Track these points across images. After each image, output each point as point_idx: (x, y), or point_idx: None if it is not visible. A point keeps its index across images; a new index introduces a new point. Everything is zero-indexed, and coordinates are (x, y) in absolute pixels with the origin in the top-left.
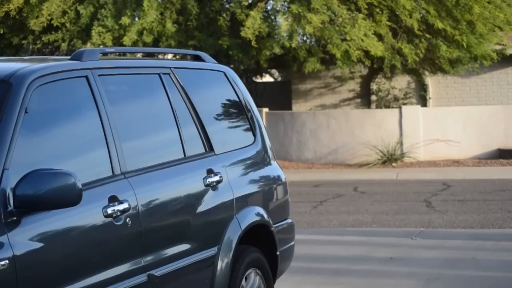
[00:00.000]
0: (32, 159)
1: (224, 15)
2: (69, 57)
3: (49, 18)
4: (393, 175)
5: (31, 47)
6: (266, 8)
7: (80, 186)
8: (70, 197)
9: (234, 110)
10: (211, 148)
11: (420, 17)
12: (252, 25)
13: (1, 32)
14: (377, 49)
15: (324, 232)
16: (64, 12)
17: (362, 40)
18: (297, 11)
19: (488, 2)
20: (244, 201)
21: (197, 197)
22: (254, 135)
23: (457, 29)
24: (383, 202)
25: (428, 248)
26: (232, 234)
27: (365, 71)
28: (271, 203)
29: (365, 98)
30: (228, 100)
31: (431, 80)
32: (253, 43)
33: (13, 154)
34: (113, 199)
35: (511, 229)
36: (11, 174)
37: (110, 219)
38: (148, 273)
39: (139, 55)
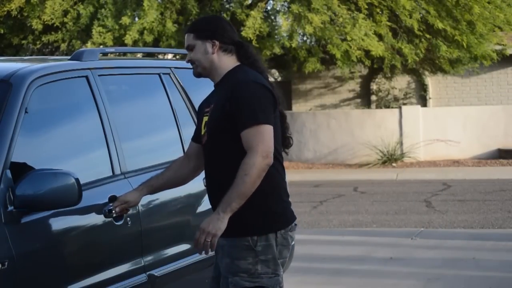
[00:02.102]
0: (32, 159)
1: (225, 15)
2: (69, 57)
3: (52, 17)
4: (393, 175)
5: (31, 47)
6: (266, 8)
7: (80, 186)
8: (70, 197)
9: None
10: None
11: (420, 17)
12: (252, 25)
13: (1, 32)
14: (377, 49)
15: (324, 232)
16: (66, 12)
17: (362, 40)
18: (298, 11)
19: (488, 2)
20: None
21: (197, 197)
22: None
23: (457, 29)
24: (383, 202)
25: (428, 248)
26: None
27: (365, 71)
28: None
29: (365, 98)
30: None
31: (431, 80)
32: (253, 43)
33: (13, 154)
34: (113, 199)
35: (511, 229)
36: (11, 174)
37: (110, 219)
38: (148, 273)
39: (139, 55)
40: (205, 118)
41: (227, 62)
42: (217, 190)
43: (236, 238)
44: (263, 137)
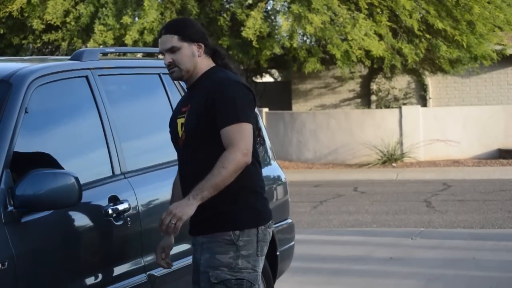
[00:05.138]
0: (32, 159)
1: (225, 15)
2: (69, 57)
3: (53, 17)
4: (393, 175)
5: (31, 46)
6: (266, 8)
7: (80, 186)
8: (70, 197)
9: None
10: None
11: (420, 17)
12: (253, 25)
13: (2, 32)
14: (378, 49)
15: (324, 232)
16: (68, 12)
17: (363, 39)
18: (298, 11)
19: (488, 2)
20: None
21: None
22: None
23: (457, 29)
24: (383, 202)
25: (428, 248)
26: None
27: (365, 71)
28: (271, 203)
29: (365, 98)
30: None
31: (431, 80)
32: (254, 43)
33: (13, 154)
34: (113, 199)
35: (511, 229)
36: (11, 174)
37: (110, 219)
38: (148, 273)
39: (139, 55)
40: (181, 120)
41: (205, 64)
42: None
43: (218, 233)
44: (244, 134)
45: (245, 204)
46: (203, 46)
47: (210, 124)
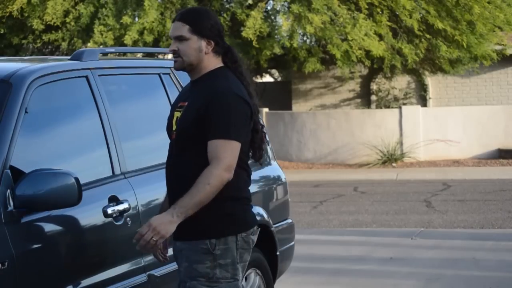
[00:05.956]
0: (32, 159)
1: (225, 15)
2: (69, 57)
3: (53, 17)
4: (393, 175)
5: (31, 46)
6: (266, 8)
7: (80, 186)
8: (70, 197)
9: None
10: None
11: (420, 17)
12: (253, 25)
13: (2, 32)
14: (378, 49)
15: (324, 232)
16: (67, 12)
17: (363, 39)
18: (298, 11)
19: (488, 2)
20: None
21: None
22: None
23: (457, 29)
24: (383, 202)
25: (428, 248)
26: None
27: (365, 71)
28: (271, 203)
29: (365, 98)
30: None
31: (431, 80)
32: (254, 43)
33: (13, 154)
34: (113, 199)
35: (511, 229)
36: (11, 174)
37: (110, 219)
38: (148, 273)
39: (139, 55)
40: (177, 114)
41: (213, 62)
42: (177, 186)
43: (194, 241)
44: (230, 151)
45: (221, 211)
46: (213, 43)
47: (199, 130)
